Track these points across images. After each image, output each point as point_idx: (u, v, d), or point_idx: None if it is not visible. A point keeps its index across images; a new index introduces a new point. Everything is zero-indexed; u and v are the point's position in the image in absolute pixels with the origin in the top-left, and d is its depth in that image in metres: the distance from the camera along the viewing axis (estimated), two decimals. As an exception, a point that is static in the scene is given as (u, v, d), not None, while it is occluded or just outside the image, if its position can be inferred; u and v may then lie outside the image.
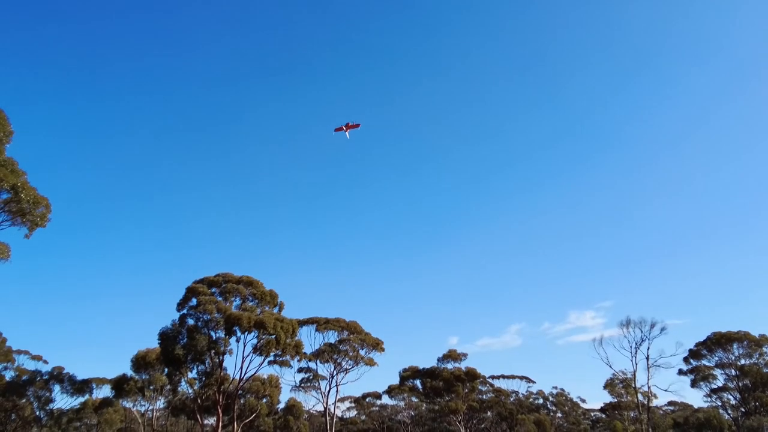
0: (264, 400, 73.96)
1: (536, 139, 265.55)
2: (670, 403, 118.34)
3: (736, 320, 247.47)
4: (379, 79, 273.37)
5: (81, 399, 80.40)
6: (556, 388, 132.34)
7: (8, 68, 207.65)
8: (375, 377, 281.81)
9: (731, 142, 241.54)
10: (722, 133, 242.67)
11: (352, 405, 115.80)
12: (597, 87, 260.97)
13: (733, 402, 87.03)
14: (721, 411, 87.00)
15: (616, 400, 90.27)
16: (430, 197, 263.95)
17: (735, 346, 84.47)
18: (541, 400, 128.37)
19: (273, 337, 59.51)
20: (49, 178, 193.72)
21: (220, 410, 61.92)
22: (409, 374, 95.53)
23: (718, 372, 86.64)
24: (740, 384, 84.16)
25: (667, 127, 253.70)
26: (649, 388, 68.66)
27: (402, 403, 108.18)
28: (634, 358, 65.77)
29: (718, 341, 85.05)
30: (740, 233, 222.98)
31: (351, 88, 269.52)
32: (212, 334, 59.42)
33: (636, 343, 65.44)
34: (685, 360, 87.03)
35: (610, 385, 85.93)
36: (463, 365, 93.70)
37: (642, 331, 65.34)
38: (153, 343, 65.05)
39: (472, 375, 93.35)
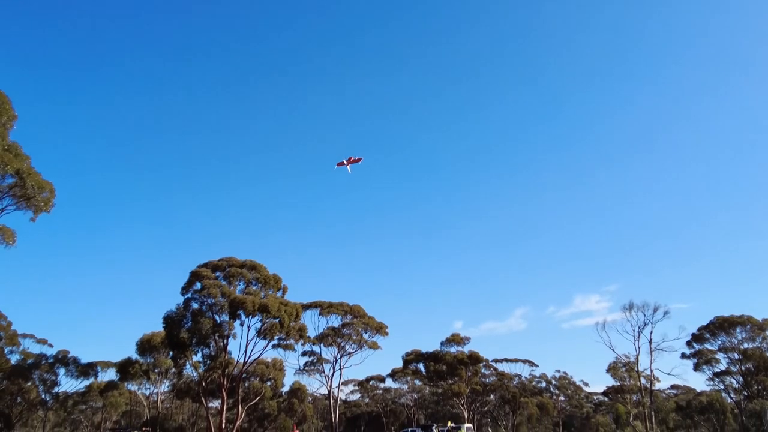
0: (268, 383, 74.39)
1: (536, 119, 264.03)
2: (672, 387, 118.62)
3: (741, 304, 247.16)
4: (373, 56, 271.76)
5: (86, 382, 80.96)
6: (559, 371, 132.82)
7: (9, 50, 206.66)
8: (379, 361, 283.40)
9: (735, 128, 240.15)
10: (724, 118, 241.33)
11: (356, 388, 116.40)
12: (597, 63, 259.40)
13: (735, 386, 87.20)
14: (723, 394, 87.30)
15: (618, 383, 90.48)
16: (435, 179, 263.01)
17: (738, 330, 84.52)
18: (544, 384, 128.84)
19: (277, 320, 59.70)
20: (51, 160, 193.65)
21: (224, 393, 62.26)
22: (412, 358, 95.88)
23: (720, 356, 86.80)
24: (743, 368, 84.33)
25: (668, 108, 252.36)
26: (651, 371, 68.78)
27: (405, 386, 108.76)
28: (636, 341, 65.90)
29: (720, 325, 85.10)
30: (746, 217, 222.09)
31: (349, 67, 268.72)
32: (216, 317, 59.64)
33: (639, 327, 65.50)
34: (688, 344, 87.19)
35: (612, 369, 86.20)
36: (466, 349, 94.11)
37: (645, 315, 65.36)
38: (158, 327, 65.39)
39: (475, 358, 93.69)
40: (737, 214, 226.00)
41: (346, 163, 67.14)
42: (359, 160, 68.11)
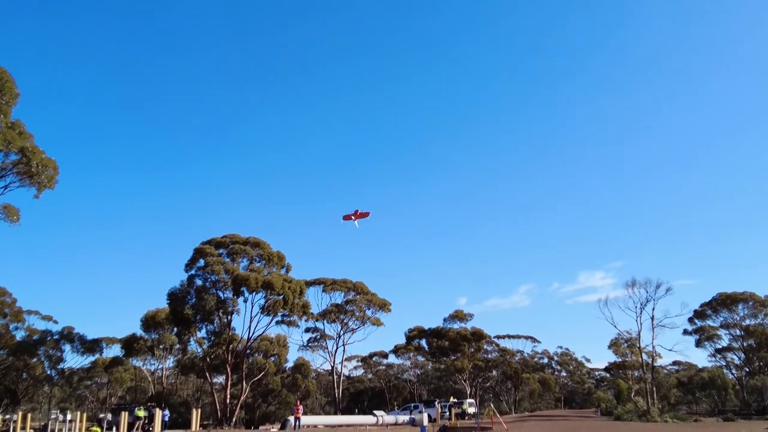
0: (272, 359, 74.80)
1: (539, 94, 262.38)
2: (674, 363, 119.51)
3: (744, 281, 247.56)
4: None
5: (91, 358, 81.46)
6: (561, 347, 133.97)
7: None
8: (382, 337, 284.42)
9: (743, 107, 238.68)
10: (730, 97, 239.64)
11: (359, 364, 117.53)
12: (598, 29, 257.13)
13: (737, 362, 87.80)
14: (725, 371, 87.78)
15: (620, 359, 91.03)
16: (437, 158, 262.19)
17: (740, 306, 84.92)
18: (546, 360, 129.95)
19: (281, 297, 59.97)
20: (56, 137, 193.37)
21: (228, 369, 62.71)
22: (414, 334, 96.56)
23: (722, 332, 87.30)
24: (744, 344, 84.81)
25: (673, 82, 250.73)
26: (653, 347, 68.83)
27: (408, 362, 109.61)
28: (638, 318, 65.59)
29: (723, 302, 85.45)
30: (753, 195, 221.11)
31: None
32: (220, 294, 59.89)
33: (641, 304, 65.19)
34: (690, 320, 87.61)
35: (614, 345, 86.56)
36: (469, 325, 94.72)
37: (647, 292, 65.01)
38: (162, 303, 65.63)
39: (477, 335, 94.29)
40: (743, 191, 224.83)
41: (353, 217, 66.96)
42: (367, 214, 67.63)
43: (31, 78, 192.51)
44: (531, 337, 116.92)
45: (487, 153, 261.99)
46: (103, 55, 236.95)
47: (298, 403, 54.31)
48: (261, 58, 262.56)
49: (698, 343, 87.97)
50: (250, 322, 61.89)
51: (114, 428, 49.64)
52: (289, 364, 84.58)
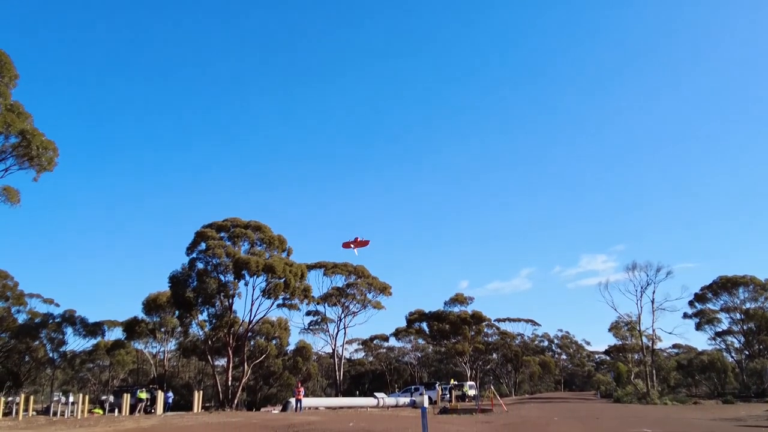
0: (274, 342, 75.01)
1: (536, 76, 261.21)
2: (674, 346, 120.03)
3: (746, 264, 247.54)
4: None
5: (93, 341, 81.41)
6: (561, 330, 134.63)
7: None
8: (382, 320, 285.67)
9: (744, 86, 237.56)
10: (729, 78, 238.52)
11: (360, 347, 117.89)
12: (604, 17, 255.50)
13: (737, 345, 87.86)
14: (724, 354, 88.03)
15: (620, 342, 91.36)
16: (440, 137, 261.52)
17: (741, 290, 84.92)
18: (546, 343, 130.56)
19: (282, 280, 59.92)
20: (56, 119, 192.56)
21: (230, 351, 62.85)
22: (415, 317, 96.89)
23: (722, 315, 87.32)
24: (744, 327, 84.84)
25: (671, 63, 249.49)
26: (653, 331, 68.97)
27: (409, 345, 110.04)
28: (639, 301, 65.62)
29: (723, 285, 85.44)
30: (753, 178, 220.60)
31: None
32: (222, 277, 59.76)
33: (641, 287, 65.22)
34: (690, 304, 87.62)
35: (614, 328, 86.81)
36: (469, 308, 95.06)
37: (648, 275, 65.00)
38: (163, 287, 65.66)
39: (478, 318, 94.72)
40: (745, 175, 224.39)
41: (353, 246, 67.07)
42: (367, 243, 68.28)
43: (29, 57, 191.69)
44: (531, 321, 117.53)
45: (488, 135, 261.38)
46: (102, 33, 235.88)
47: (300, 385, 54.55)
48: (259, 41, 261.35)
49: (698, 327, 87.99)
50: (252, 305, 61.90)
51: (116, 410, 49.91)
52: (291, 347, 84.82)
